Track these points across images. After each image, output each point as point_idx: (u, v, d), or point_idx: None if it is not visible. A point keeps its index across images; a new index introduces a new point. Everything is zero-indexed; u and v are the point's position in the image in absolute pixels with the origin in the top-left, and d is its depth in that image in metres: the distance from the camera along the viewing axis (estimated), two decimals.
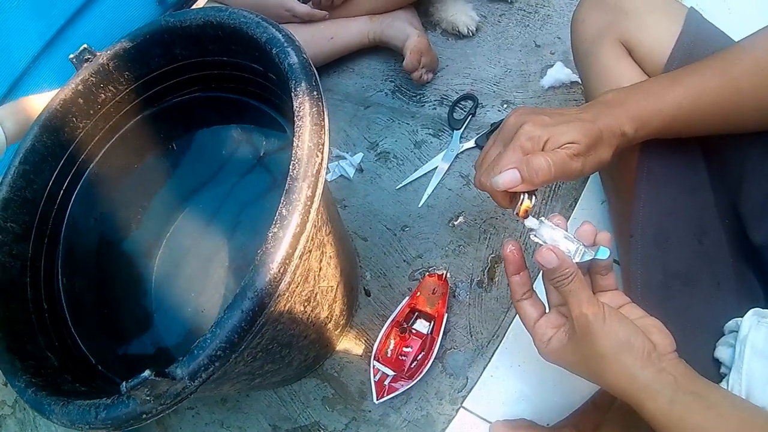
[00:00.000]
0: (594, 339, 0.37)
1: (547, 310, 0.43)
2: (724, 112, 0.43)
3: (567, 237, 0.39)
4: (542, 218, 0.40)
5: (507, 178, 0.40)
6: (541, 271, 0.39)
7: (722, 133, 0.46)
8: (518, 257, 0.42)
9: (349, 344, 0.73)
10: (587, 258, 0.39)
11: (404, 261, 0.75)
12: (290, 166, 0.46)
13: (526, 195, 0.41)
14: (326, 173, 0.85)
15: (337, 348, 0.74)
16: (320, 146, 0.47)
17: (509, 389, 0.65)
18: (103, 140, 0.70)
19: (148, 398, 0.43)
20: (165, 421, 0.82)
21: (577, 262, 0.38)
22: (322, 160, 0.47)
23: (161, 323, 0.73)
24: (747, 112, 0.43)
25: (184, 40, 0.64)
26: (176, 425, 0.80)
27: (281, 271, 0.43)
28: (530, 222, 0.40)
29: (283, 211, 0.44)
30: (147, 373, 0.40)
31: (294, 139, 0.47)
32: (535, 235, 0.40)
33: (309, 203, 0.45)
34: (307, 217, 0.45)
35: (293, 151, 0.46)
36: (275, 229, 0.43)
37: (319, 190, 0.46)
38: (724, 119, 0.44)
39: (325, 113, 0.49)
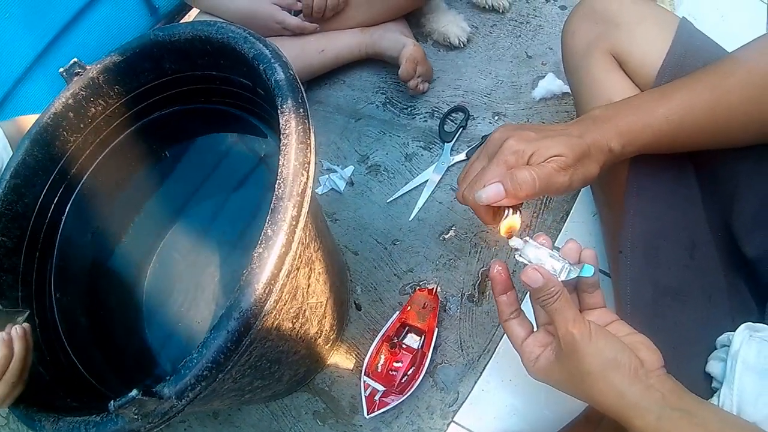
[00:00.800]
0: (580, 357, 0.37)
1: (535, 329, 0.43)
2: (714, 127, 0.43)
3: (552, 255, 0.39)
4: (527, 238, 0.40)
5: (491, 192, 0.40)
6: (528, 291, 0.39)
7: (712, 148, 0.46)
8: (505, 277, 0.42)
9: (339, 358, 0.73)
10: (572, 276, 0.39)
11: (395, 275, 0.75)
12: (276, 185, 0.46)
13: (511, 211, 0.41)
14: (317, 186, 0.86)
15: (328, 362, 0.73)
16: (306, 165, 0.47)
17: (500, 403, 0.65)
18: (94, 154, 0.70)
19: (136, 417, 0.43)
20: None
21: (562, 281, 0.38)
22: (307, 179, 0.47)
23: (154, 336, 0.73)
24: (737, 127, 0.43)
25: (173, 54, 0.64)
26: None
27: (266, 291, 0.43)
28: (514, 242, 0.40)
29: (269, 231, 0.44)
30: (134, 392, 0.41)
31: (280, 157, 0.47)
32: (520, 255, 0.40)
33: (294, 223, 0.45)
34: (293, 237, 0.44)
35: (279, 170, 0.46)
36: (260, 250, 0.43)
37: (305, 210, 0.46)
38: (714, 134, 0.44)
39: (311, 131, 0.49)
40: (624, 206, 0.50)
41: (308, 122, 0.49)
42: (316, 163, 0.48)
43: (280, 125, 0.49)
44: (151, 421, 0.44)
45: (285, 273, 0.44)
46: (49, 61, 0.90)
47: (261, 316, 0.43)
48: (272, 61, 0.53)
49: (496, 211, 0.43)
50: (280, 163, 0.47)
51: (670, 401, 0.35)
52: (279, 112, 0.50)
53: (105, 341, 0.69)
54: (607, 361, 0.36)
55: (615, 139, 0.42)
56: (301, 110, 0.50)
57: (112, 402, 0.41)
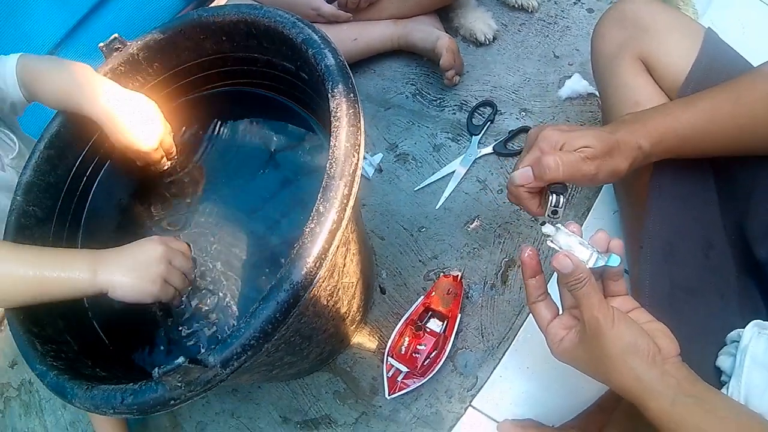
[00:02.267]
0: (603, 340, 0.39)
1: (560, 312, 0.45)
2: (738, 135, 0.46)
3: (582, 243, 0.41)
4: (558, 225, 0.42)
5: (521, 175, 0.44)
6: (556, 275, 0.41)
7: (736, 154, 0.48)
8: (535, 262, 0.44)
9: (362, 340, 0.75)
10: (600, 264, 0.41)
11: (420, 261, 0.77)
12: (327, 165, 0.47)
13: (553, 197, 0.43)
14: None
15: (351, 343, 0.75)
16: (356, 147, 0.49)
17: (517, 390, 0.67)
18: None
19: (179, 384, 0.44)
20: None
21: (590, 268, 0.40)
22: (358, 160, 0.48)
23: (177, 313, 0.74)
24: (761, 135, 0.45)
25: (216, 35, 0.65)
26: (186, 413, 0.81)
27: (317, 265, 0.45)
28: (547, 229, 0.43)
29: (321, 207, 0.45)
30: (181, 359, 0.42)
31: (331, 139, 0.48)
32: (551, 241, 0.42)
33: (345, 201, 0.46)
34: (343, 215, 0.46)
35: (330, 151, 0.48)
36: (312, 225, 0.45)
37: (355, 189, 0.47)
38: (738, 141, 0.46)
39: (361, 115, 0.51)
40: (646, 206, 0.52)
41: (358, 107, 0.51)
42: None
43: (331, 108, 0.50)
44: (192, 389, 0.44)
45: (333, 249, 0.46)
46: (79, 38, 0.90)
47: (310, 289, 0.45)
48: (322, 46, 0.55)
49: (542, 201, 0.45)
50: (332, 144, 0.48)
51: (683, 388, 0.37)
52: (330, 96, 0.51)
53: (129, 314, 0.70)
54: (627, 345, 0.38)
55: (644, 137, 0.45)
56: (352, 95, 0.51)
57: (156, 369, 0.42)
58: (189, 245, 0.65)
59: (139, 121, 0.61)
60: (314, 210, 0.45)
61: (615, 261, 0.41)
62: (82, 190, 0.70)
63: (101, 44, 0.67)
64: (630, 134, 0.45)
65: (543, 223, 0.43)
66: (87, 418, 0.86)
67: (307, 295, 0.45)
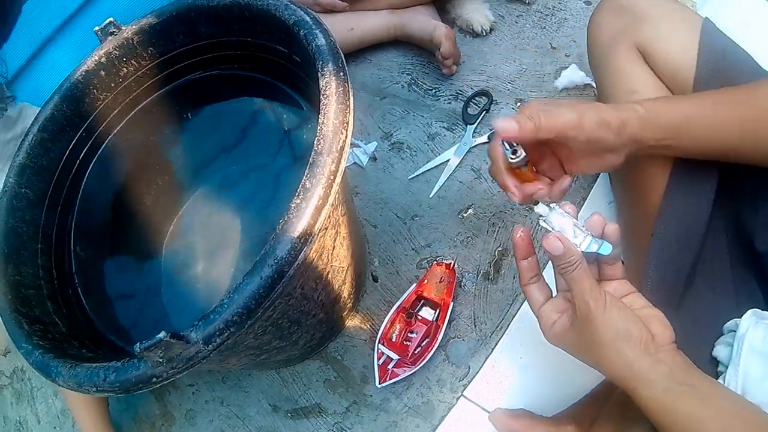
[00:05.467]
0: (594, 326, 0.38)
1: (554, 295, 0.44)
2: (742, 129, 0.44)
3: (575, 225, 0.40)
4: (553, 205, 0.41)
5: (502, 120, 0.41)
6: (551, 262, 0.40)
7: (740, 156, 0.46)
8: (526, 243, 0.43)
9: (354, 328, 0.74)
10: (592, 249, 0.40)
11: (413, 249, 0.76)
12: (315, 142, 0.47)
13: (522, 157, 0.42)
14: None
15: (342, 331, 0.74)
16: (345, 124, 0.48)
17: (510, 380, 0.66)
18: (122, 113, 0.71)
19: (160, 360, 0.43)
20: (165, 397, 0.82)
21: (582, 252, 0.39)
22: (346, 137, 0.48)
23: (169, 296, 0.73)
24: (762, 136, 0.43)
25: (210, 19, 0.65)
26: (176, 401, 0.81)
27: (302, 241, 0.44)
28: (540, 208, 0.42)
29: (307, 183, 0.45)
30: (162, 334, 0.41)
31: (319, 116, 0.48)
32: (544, 221, 0.41)
33: (332, 177, 0.46)
34: (330, 191, 0.46)
35: (318, 128, 0.47)
36: (298, 200, 0.44)
37: (342, 166, 0.47)
38: (742, 136, 0.44)
39: (350, 93, 0.50)
40: (663, 195, 0.50)
41: (348, 85, 0.51)
42: (354, 125, 0.49)
43: (320, 87, 0.50)
44: (174, 366, 0.44)
45: (320, 226, 0.45)
46: (79, 23, 0.91)
47: (294, 265, 0.44)
48: (313, 27, 0.55)
49: (519, 178, 0.44)
50: (320, 121, 0.48)
51: (676, 376, 0.36)
52: (320, 74, 0.51)
53: (121, 298, 0.70)
54: (619, 331, 0.37)
55: (638, 103, 0.43)
56: (341, 74, 0.51)
57: (137, 344, 0.41)
58: None
59: None
60: (301, 185, 0.45)
61: (606, 249, 0.39)
62: (76, 173, 0.69)
63: (96, 28, 0.67)
64: (620, 108, 0.44)
65: (536, 203, 0.42)
66: None
67: (291, 271, 0.44)
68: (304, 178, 0.45)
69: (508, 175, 0.44)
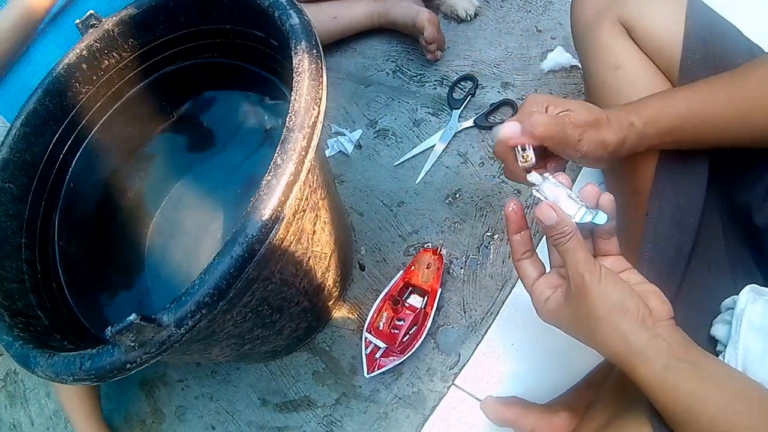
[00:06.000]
0: (589, 299, 0.36)
1: (548, 271, 0.42)
2: (736, 120, 0.43)
3: (569, 196, 0.39)
4: (546, 174, 0.40)
5: (507, 126, 0.41)
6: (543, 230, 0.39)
7: (737, 145, 0.45)
8: (519, 216, 0.42)
9: (341, 318, 0.73)
10: (586, 219, 0.38)
11: (400, 236, 0.75)
12: (287, 118, 0.46)
13: (521, 150, 0.41)
14: (325, 148, 0.86)
15: (330, 321, 0.73)
16: (317, 100, 0.47)
17: (502, 367, 0.64)
18: (105, 106, 0.71)
19: (132, 344, 0.42)
20: (154, 394, 0.81)
21: (576, 223, 0.38)
22: (318, 113, 0.47)
23: (154, 289, 0.73)
24: (761, 122, 0.43)
25: (189, 7, 0.65)
26: (165, 398, 0.80)
27: (273, 218, 0.43)
28: (533, 177, 0.40)
29: (278, 159, 0.44)
30: (132, 317, 0.40)
31: (292, 93, 0.47)
32: (537, 191, 0.40)
33: (304, 153, 0.45)
34: (301, 167, 0.45)
35: (291, 104, 0.47)
36: (269, 177, 0.43)
37: (314, 142, 0.46)
38: (737, 128, 0.44)
39: (324, 70, 0.50)
40: (654, 175, 0.49)
41: (321, 62, 0.50)
42: (326, 102, 0.48)
43: (294, 65, 0.49)
44: (148, 351, 0.43)
45: (292, 205, 0.44)
46: (67, 18, 0.90)
47: (266, 243, 0.43)
48: (287, 7, 0.54)
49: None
50: (292, 98, 0.47)
51: (676, 352, 0.34)
52: (293, 53, 0.50)
53: (105, 291, 0.69)
54: (615, 304, 0.36)
55: (636, 115, 0.43)
56: (314, 51, 0.50)
57: (109, 327, 0.41)
58: None
59: None
60: (272, 162, 0.44)
61: (602, 218, 0.38)
62: (60, 167, 0.69)
63: (77, 21, 0.67)
64: (622, 112, 0.43)
65: (529, 171, 0.41)
66: None
67: (263, 249, 0.43)
68: (276, 154, 0.44)
69: (521, 173, 0.44)
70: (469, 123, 0.78)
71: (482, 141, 0.77)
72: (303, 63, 0.49)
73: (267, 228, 0.43)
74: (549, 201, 0.38)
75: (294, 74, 0.49)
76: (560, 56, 0.78)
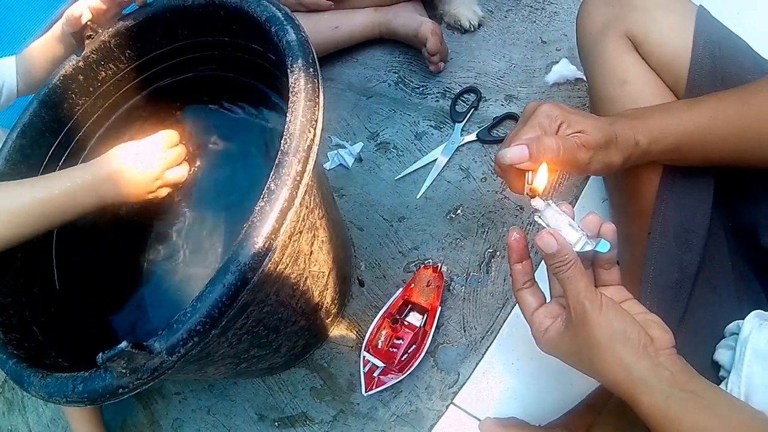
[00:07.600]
0: (590, 328, 0.35)
1: (548, 301, 0.42)
2: (743, 140, 0.42)
3: (571, 224, 0.38)
4: (550, 201, 0.39)
5: (514, 152, 0.41)
6: (543, 259, 0.38)
7: (742, 164, 0.44)
8: (522, 246, 0.41)
9: (340, 334, 0.72)
10: (588, 248, 0.38)
11: (400, 252, 0.74)
12: (282, 141, 0.45)
13: (532, 175, 0.41)
14: (325, 162, 0.85)
15: (328, 338, 0.72)
16: (313, 122, 0.46)
17: (501, 387, 0.63)
18: (102, 118, 0.70)
19: (124, 371, 0.42)
20: (151, 406, 0.80)
21: (577, 251, 0.37)
22: (314, 135, 0.46)
23: (152, 306, 0.72)
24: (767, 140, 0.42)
25: (186, 20, 0.64)
26: (162, 410, 0.79)
27: (266, 246, 0.42)
28: (537, 203, 0.40)
29: (272, 185, 0.43)
30: (124, 344, 0.39)
31: (287, 114, 0.46)
32: (539, 217, 0.39)
33: (299, 178, 0.44)
34: (296, 193, 0.44)
35: (286, 126, 0.45)
36: (262, 203, 0.42)
37: (310, 166, 0.45)
38: (743, 147, 0.43)
39: (320, 90, 0.49)
40: (657, 192, 0.48)
41: (317, 81, 0.49)
42: (323, 123, 0.47)
43: (290, 83, 0.48)
44: (140, 378, 0.42)
45: (286, 230, 0.43)
46: None
47: (259, 272, 0.42)
48: (284, 23, 0.53)
49: (522, 178, 0.42)
50: (288, 119, 0.46)
51: (679, 381, 0.34)
52: (289, 71, 0.49)
53: (103, 306, 0.69)
54: (616, 333, 0.35)
55: (642, 133, 0.43)
56: (311, 70, 0.49)
57: (100, 354, 0.40)
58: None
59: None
60: (266, 188, 0.43)
61: (604, 246, 0.37)
62: None
63: (74, 32, 0.66)
64: (629, 129, 0.43)
65: (533, 197, 0.40)
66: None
67: (256, 278, 0.42)
68: (269, 179, 0.43)
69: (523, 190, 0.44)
70: (472, 137, 0.77)
71: (485, 155, 0.76)
72: (299, 82, 0.48)
73: (260, 256, 0.42)
74: (550, 228, 0.38)
75: (290, 93, 0.48)
76: (565, 69, 0.77)
